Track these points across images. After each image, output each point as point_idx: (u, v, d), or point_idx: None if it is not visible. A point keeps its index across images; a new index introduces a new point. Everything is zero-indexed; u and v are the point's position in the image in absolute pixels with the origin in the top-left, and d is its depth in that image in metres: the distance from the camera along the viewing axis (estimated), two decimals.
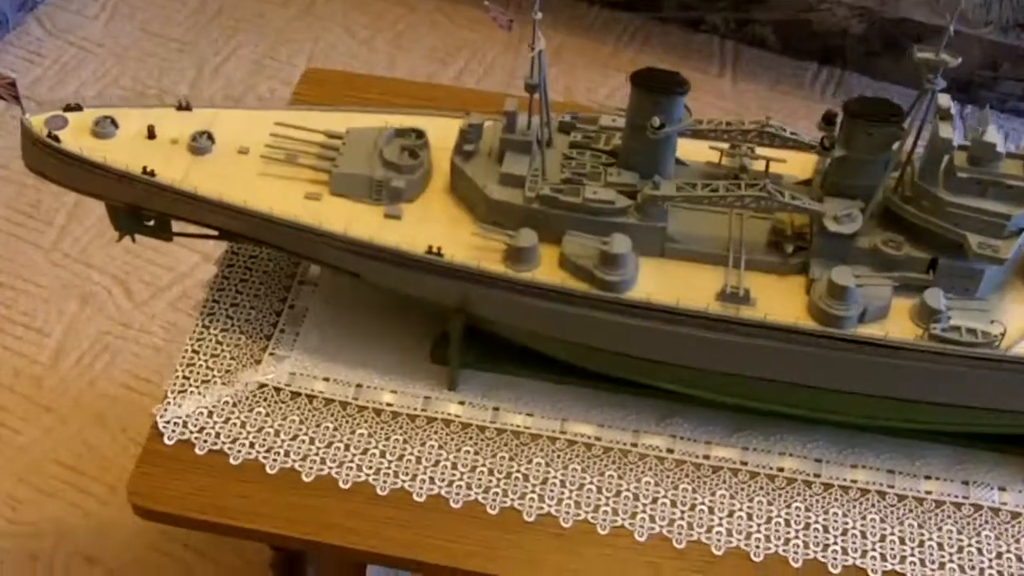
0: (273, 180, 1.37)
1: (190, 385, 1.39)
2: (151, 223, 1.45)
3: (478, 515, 1.30)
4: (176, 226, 1.46)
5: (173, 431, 1.34)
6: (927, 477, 1.34)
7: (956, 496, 1.33)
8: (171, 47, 2.72)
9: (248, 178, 1.37)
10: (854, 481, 1.34)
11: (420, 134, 1.37)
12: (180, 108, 1.44)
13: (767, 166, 1.35)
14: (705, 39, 2.80)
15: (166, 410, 1.36)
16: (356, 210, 1.34)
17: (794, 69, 2.76)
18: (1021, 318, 1.28)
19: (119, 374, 2.19)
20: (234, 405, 1.37)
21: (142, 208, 1.41)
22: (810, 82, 2.74)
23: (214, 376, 1.40)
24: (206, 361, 1.41)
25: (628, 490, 1.32)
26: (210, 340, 1.43)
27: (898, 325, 1.26)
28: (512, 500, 1.31)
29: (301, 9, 2.84)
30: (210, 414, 1.36)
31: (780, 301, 1.27)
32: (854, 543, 1.29)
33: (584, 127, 1.36)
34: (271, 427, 1.35)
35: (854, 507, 1.32)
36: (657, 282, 1.28)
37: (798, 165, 1.37)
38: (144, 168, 1.35)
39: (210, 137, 1.39)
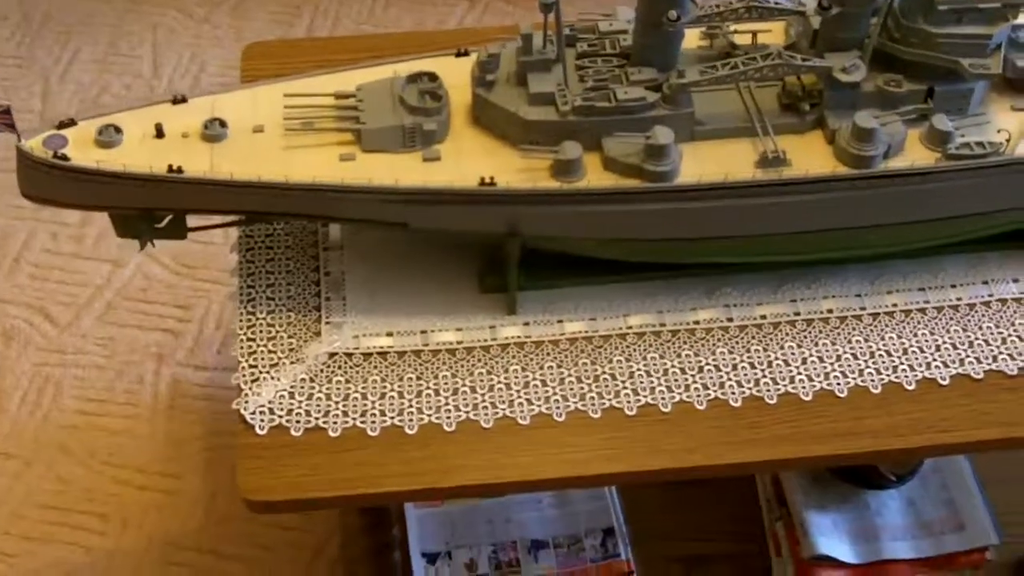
0: (301, 151, 1.36)
1: (260, 372, 1.38)
2: (162, 225, 1.42)
3: (585, 422, 1.35)
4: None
5: (263, 420, 1.34)
6: (952, 286, 1.47)
7: (982, 296, 1.46)
8: (8, 65, 2.59)
9: (275, 154, 1.35)
10: (895, 305, 1.45)
11: (433, 76, 1.39)
12: (176, 102, 1.41)
13: (754, 38, 1.43)
14: None
15: (247, 401, 1.35)
16: (394, 161, 1.35)
17: None
18: (1011, 123, 1.41)
19: (70, 402, 2.11)
20: (311, 380, 1.37)
21: (163, 209, 1.38)
22: None
23: (280, 358, 1.39)
24: (265, 345, 1.40)
25: (708, 364, 1.39)
26: (260, 324, 1.42)
27: (916, 153, 1.37)
28: (610, 400, 1.36)
29: (128, 0, 2.74)
30: (291, 395, 1.36)
31: (808, 156, 1.36)
32: (917, 359, 1.40)
33: (585, 36, 1.41)
34: (356, 392, 1.36)
35: (905, 328, 1.43)
36: (696, 164, 1.35)
37: (770, 35, 1.46)
38: (170, 166, 1.32)
39: (222, 123, 1.36)
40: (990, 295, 1.47)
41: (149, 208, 1.38)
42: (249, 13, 2.70)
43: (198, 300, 2.24)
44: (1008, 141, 1.37)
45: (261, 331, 1.41)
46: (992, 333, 1.43)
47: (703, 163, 1.35)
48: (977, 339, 1.42)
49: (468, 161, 1.35)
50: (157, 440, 2.06)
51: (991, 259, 1.50)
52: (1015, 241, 1.49)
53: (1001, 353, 1.41)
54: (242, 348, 1.40)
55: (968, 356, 1.41)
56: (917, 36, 1.36)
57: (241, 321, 1.42)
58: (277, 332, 1.41)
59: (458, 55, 1.47)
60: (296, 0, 2.73)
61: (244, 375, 1.37)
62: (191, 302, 2.24)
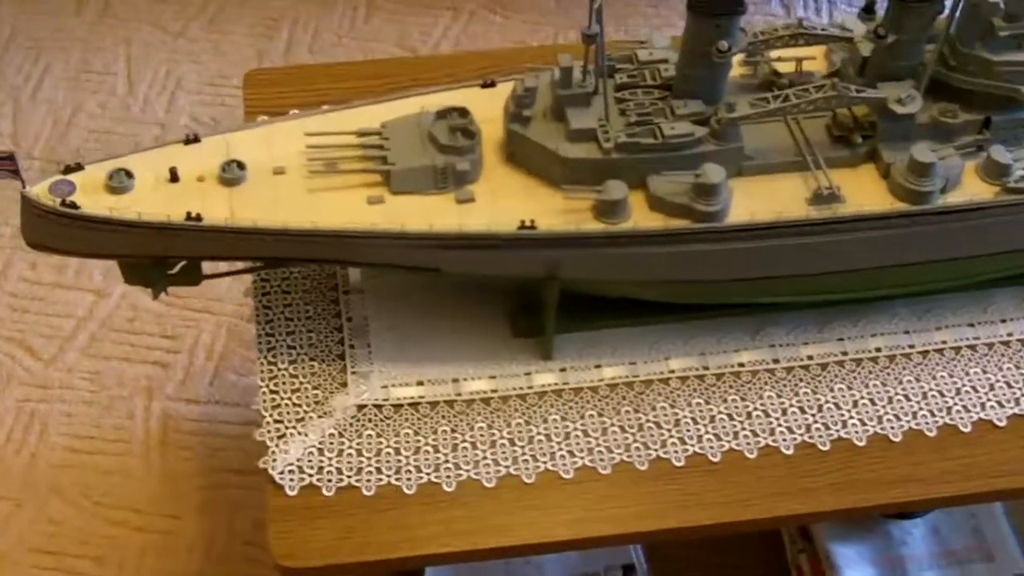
0: (325, 194, 1.28)
1: (286, 428, 1.30)
2: (174, 271, 1.34)
3: (631, 474, 1.28)
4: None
5: (292, 480, 1.26)
6: (1003, 320, 1.42)
7: None
8: None
9: (298, 198, 1.27)
10: (944, 342, 1.40)
11: (464, 112, 1.31)
12: (188, 142, 1.32)
13: (799, 65, 1.37)
14: None
15: (275, 460, 1.27)
16: (426, 203, 1.27)
17: None
18: None
19: (58, 439, 2.02)
20: (341, 435, 1.29)
21: (178, 257, 1.30)
22: None
23: (306, 412, 1.31)
24: (290, 398, 1.32)
25: (756, 409, 1.33)
26: (283, 375, 1.34)
27: (973, 187, 1.31)
28: (656, 450, 1.30)
29: (98, 13, 2.63)
30: (320, 451, 1.28)
31: (862, 191, 1.30)
32: (971, 399, 1.35)
33: (624, 67, 1.34)
34: (388, 446, 1.29)
35: (956, 366, 1.38)
36: (746, 201, 1.28)
37: (812, 61, 1.39)
38: (188, 214, 1.23)
39: (240, 165, 1.28)
40: None
41: (164, 256, 1.29)
42: (226, 26, 2.60)
43: (187, 330, 2.15)
44: None
45: (284, 382, 1.33)
46: None
47: (752, 200, 1.28)
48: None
49: (504, 202, 1.28)
50: (152, 478, 1.97)
51: None
52: None
53: None
54: (265, 402, 1.31)
55: (1014, 396, 1.36)
56: (975, 63, 1.30)
57: (263, 372, 1.34)
58: (301, 384, 1.33)
59: (484, 86, 1.40)
60: (274, 12, 2.64)
61: (269, 431, 1.29)
62: (180, 332, 2.14)
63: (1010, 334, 1.41)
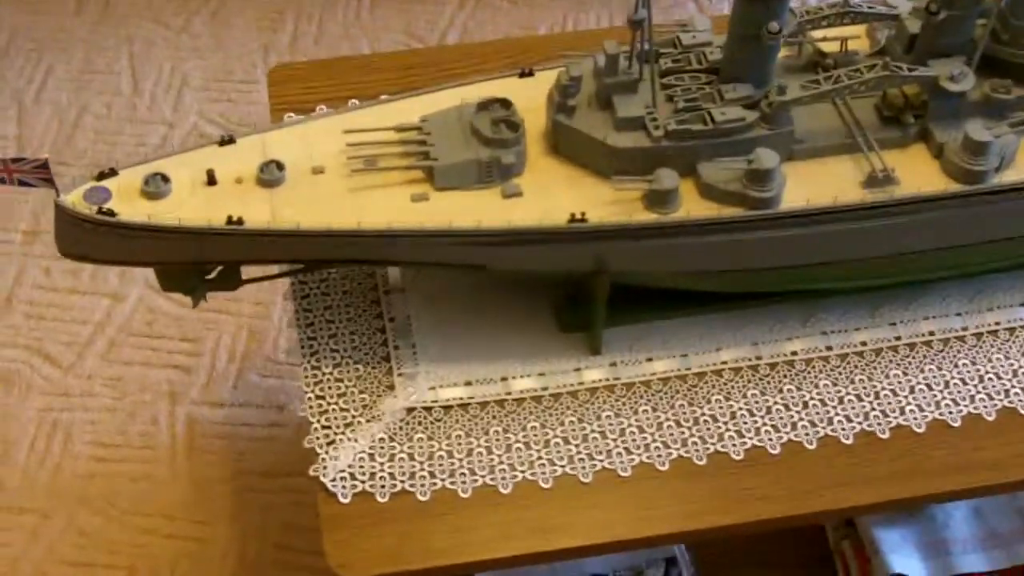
0: (367, 192, 1.24)
1: (334, 434, 1.26)
2: (212, 276, 1.31)
3: (690, 469, 1.25)
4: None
5: (344, 487, 1.23)
6: None
7: None
8: None
9: (341, 197, 1.23)
10: (997, 323, 1.37)
11: (506, 103, 1.27)
12: (223, 143, 1.28)
13: (844, 45, 1.34)
14: None
15: (325, 467, 1.24)
16: (471, 199, 1.24)
17: None
18: None
19: (83, 448, 1.98)
20: (391, 439, 1.26)
21: (219, 262, 1.27)
22: None
23: (354, 417, 1.28)
24: (336, 403, 1.29)
25: (813, 398, 1.30)
26: (328, 380, 1.30)
27: None
28: (714, 444, 1.27)
29: (99, 12, 2.58)
30: (371, 457, 1.25)
31: (915, 173, 1.27)
32: None
33: (667, 51, 1.30)
34: (440, 449, 1.26)
35: (1011, 347, 1.35)
36: (799, 186, 1.25)
37: (856, 40, 1.36)
38: (230, 218, 1.20)
39: (279, 166, 1.24)
40: None
41: (205, 262, 1.26)
42: (229, 20, 2.56)
43: (207, 332, 2.11)
44: None
45: (330, 387, 1.30)
46: None
47: (805, 185, 1.25)
48: None
49: (551, 195, 1.24)
50: (180, 484, 1.93)
51: None
52: None
53: None
54: (312, 408, 1.28)
55: None
56: None
57: (307, 377, 1.30)
58: (347, 388, 1.30)
59: (521, 75, 1.36)
60: (278, 5, 2.59)
61: (318, 437, 1.26)
62: (200, 335, 2.11)
63: None
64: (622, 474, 1.25)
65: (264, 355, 2.09)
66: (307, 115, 1.35)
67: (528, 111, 1.28)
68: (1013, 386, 1.32)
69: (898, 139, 1.30)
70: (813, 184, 1.26)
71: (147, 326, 2.12)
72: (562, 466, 1.25)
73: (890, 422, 1.29)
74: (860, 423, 1.29)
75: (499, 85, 1.34)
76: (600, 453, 1.26)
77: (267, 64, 2.48)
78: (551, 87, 1.27)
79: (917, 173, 1.27)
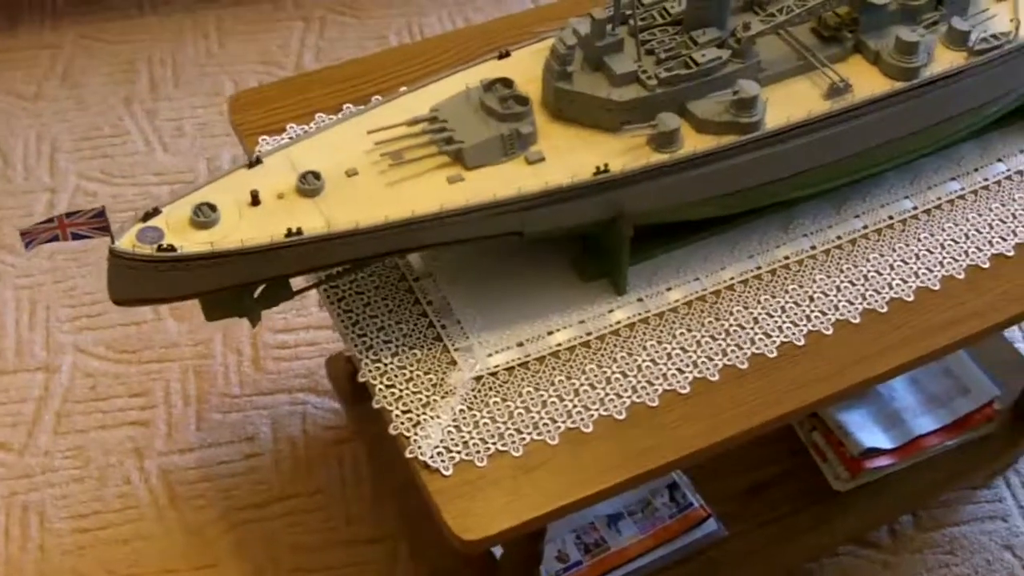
0: (405, 184, 1.32)
1: (417, 416, 1.34)
2: (257, 295, 1.36)
3: (738, 375, 1.39)
4: None
5: (444, 461, 1.30)
6: (975, 169, 1.60)
7: (1004, 172, 1.60)
8: None
9: (382, 193, 1.31)
10: (939, 199, 1.56)
11: (507, 81, 1.38)
12: (251, 166, 1.34)
13: None
14: None
15: (420, 447, 1.31)
16: (502, 171, 1.34)
17: None
18: (1003, 10, 1.55)
19: (61, 524, 1.95)
20: (470, 408, 1.35)
21: (279, 277, 1.32)
22: None
23: (429, 397, 1.35)
24: (407, 388, 1.36)
25: (816, 292, 1.46)
26: (391, 369, 1.38)
27: (945, 57, 1.48)
28: (750, 349, 1.41)
29: None
30: (458, 428, 1.33)
31: (860, 79, 1.45)
32: (980, 239, 1.52)
33: (631, 13, 1.43)
34: (517, 408, 1.35)
35: (956, 215, 1.55)
36: (775, 108, 1.41)
37: None
38: (289, 230, 1.26)
39: (316, 176, 1.31)
40: (1007, 169, 1.61)
41: (266, 279, 1.31)
42: (81, 80, 2.54)
43: (153, 383, 2.11)
44: (1017, 27, 1.50)
45: (395, 375, 1.37)
46: None
47: (779, 106, 1.41)
48: (1016, 211, 1.56)
49: (570, 155, 1.36)
50: (174, 535, 1.94)
51: (995, 139, 1.64)
52: (1010, 119, 1.64)
53: None
54: (387, 398, 1.35)
55: (1018, 227, 1.54)
56: None
57: (371, 371, 1.37)
58: (412, 372, 1.37)
59: (500, 57, 1.47)
60: (126, 56, 2.59)
61: (402, 422, 1.33)
62: (147, 387, 2.11)
63: (986, 179, 1.59)
64: (682, 392, 1.37)
65: (218, 392, 2.11)
66: (319, 124, 1.41)
67: (522, 86, 1.39)
68: (969, 246, 1.52)
69: (839, 54, 1.47)
70: (785, 104, 1.42)
71: (90, 390, 2.10)
72: (629, 397, 1.37)
73: (885, 297, 1.46)
74: (861, 304, 1.46)
75: (483, 69, 1.44)
76: (658, 378, 1.38)
77: (132, 115, 2.48)
78: (547, 58, 1.38)
79: (863, 79, 1.45)
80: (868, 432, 1.93)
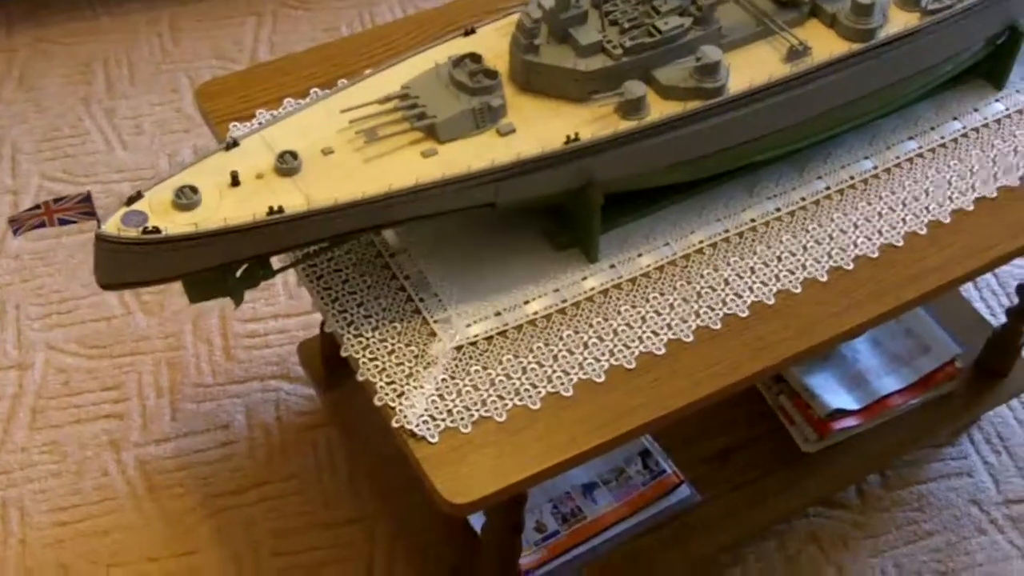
0: (381, 160, 1.35)
1: (400, 386, 1.36)
2: (239, 275, 1.37)
3: (711, 336, 1.42)
4: None
5: (430, 428, 1.33)
6: (932, 128, 1.64)
7: (960, 130, 1.64)
8: None
9: (359, 169, 1.33)
10: (897, 158, 1.60)
11: (476, 57, 1.40)
12: (229, 148, 1.35)
13: None
14: None
15: (406, 416, 1.33)
16: (474, 144, 1.37)
17: None
18: None
19: (42, 518, 1.96)
20: (452, 377, 1.37)
21: (262, 255, 1.34)
22: None
23: (411, 368, 1.38)
24: (389, 360, 1.38)
25: (783, 253, 1.50)
26: (373, 342, 1.40)
27: (899, 18, 1.52)
28: (722, 310, 1.44)
29: None
30: (441, 397, 1.36)
31: (819, 42, 1.48)
32: (939, 196, 1.56)
33: None
34: (499, 375, 1.38)
35: (916, 173, 1.59)
36: (736, 73, 1.44)
37: None
38: (271, 208, 1.28)
39: (293, 155, 1.33)
40: (963, 127, 1.65)
41: (250, 257, 1.33)
42: (37, 82, 2.53)
43: (126, 376, 2.12)
44: None
45: (377, 348, 1.39)
46: (983, 158, 1.62)
47: (740, 71, 1.45)
48: (974, 167, 1.61)
49: (539, 126, 1.39)
50: (154, 524, 1.95)
51: (949, 98, 1.68)
52: (963, 78, 1.69)
53: (999, 172, 1.60)
54: (370, 370, 1.37)
55: (976, 182, 1.59)
56: None
57: (354, 346, 1.39)
58: (394, 345, 1.40)
59: (466, 34, 1.49)
60: (81, 57, 2.59)
61: (386, 393, 1.35)
62: (120, 380, 2.11)
63: (943, 137, 1.64)
64: (658, 353, 1.41)
65: (191, 383, 2.12)
66: (288, 108, 1.43)
67: (490, 61, 1.42)
68: (931, 202, 1.56)
69: (796, 19, 1.51)
70: (746, 69, 1.45)
71: (63, 386, 2.10)
72: (607, 360, 1.40)
73: (850, 255, 1.50)
74: (827, 262, 1.50)
75: (449, 46, 1.46)
76: (633, 341, 1.41)
77: (91, 115, 2.48)
78: (514, 32, 1.41)
79: (821, 42, 1.49)
80: (834, 394, 1.98)
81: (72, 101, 2.50)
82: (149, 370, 2.13)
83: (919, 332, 2.07)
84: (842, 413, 1.97)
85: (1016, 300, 2.00)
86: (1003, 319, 2.12)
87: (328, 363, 2.02)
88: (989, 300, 2.35)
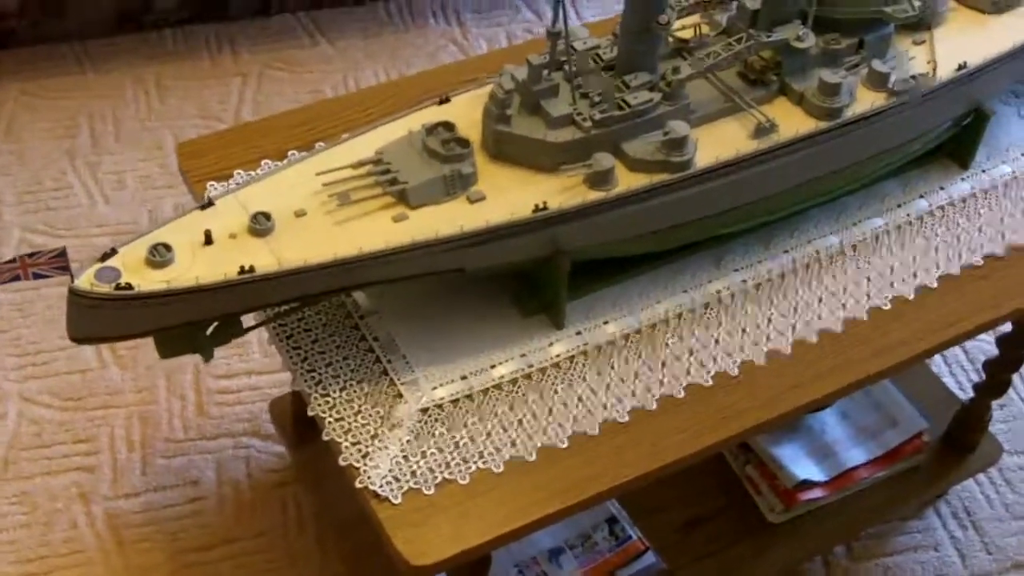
0: (352, 223, 1.37)
1: (364, 447, 1.37)
2: (209, 332, 1.39)
3: (675, 404, 1.44)
4: None
5: (393, 489, 1.34)
6: (899, 206, 1.68)
7: (926, 208, 1.67)
8: None
9: (330, 232, 1.36)
10: (864, 234, 1.63)
11: (450, 125, 1.43)
12: (204, 207, 1.38)
13: (698, 30, 1.58)
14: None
15: (370, 477, 1.35)
16: (445, 210, 1.39)
17: None
18: (920, 54, 1.63)
19: (8, 569, 1.96)
20: (417, 439, 1.39)
21: (232, 313, 1.35)
22: None
23: (376, 428, 1.39)
24: (355, 421, 1.40)
25: (747, 324, 1.52)
26: (340, 402, 1.41)
27: (866, 97, 1.56)
28: (685, 379, 1.46)
29: None
30: (406, 458, 1.37)
31: (786, 119, 1.52)
32: (905, 272, 1.59)
33: (565, 58, 1.50)
34: (463, 438, 1.39)
35: (882, 249, 1.62)
36: (704, 148, 1.47)
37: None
38: (242, 267, 1.30)
39: (266, 216, 1.35)
40: (929, 205, 1.69)
41: (221, 316, 1.35)
42: (21, 136, 2.56)
43: (98, 429, 2.12)
44: (934, 69, 1.59)
45: (344, 409, 1.41)
46: (948, 236, 1.65)
47: (708, 146, 1.48)
48: (938, 245, 1.64)
49: (509, 194, 1.41)
50: None
51: (915, 177, 1.72)
52: (930, 157, 1.72)
53: (963, 250, 1.63)
54: (335, 430, 1.39)
55: (940, 260, 1.62)
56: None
57: (320, 405, 1.41)
58: (360, 406, 1.41)
59: (440, 103, 1.52)
60: (67, 113, 2.62)
61: (351, 453, 1.36)
62: (92, 433, 2.12)
63: (909, 215, 1.67)
64: (621, 421, 1.42)
65: (163, 437, 2.12)
66: (265, 169, 1.46)
67: (463, 129, 1.45)
68: (895, 279, 1.59)
69: (764, 96, 1.54)
70: (714, 144, 1.48)
71: (36, 437, 2.11)
72: (571, 426, 1.41)
73: (815, 328, 1.53)
74: (791, 335, 1.52)
75: (424, 114, 1.49)
76: (597, 407, 1.43)
77: (75, 169, 2.50)
78: (487, 103, 1.44)
79: (788, 120, 1.52)
80: (801, 465, 1.99)
81: (56, 155, 2.53)
82: (121, 424, 2.14)
83: (887, 405, 2.09)
84: (809, 484, 1.98)
85: (983, 376, 2.03)
86: (971, 394, 2.15)
87: (298, 422, 2.03)
88: (958, 375, 2.37)
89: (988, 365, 2.01)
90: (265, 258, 1.32)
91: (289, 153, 1.65)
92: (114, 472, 2.08)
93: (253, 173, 1.62)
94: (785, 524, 1.99)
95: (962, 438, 2.11)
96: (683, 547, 1.96)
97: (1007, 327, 1.89)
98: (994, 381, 2.03)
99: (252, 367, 2.23)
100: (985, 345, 2.37)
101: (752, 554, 1.97)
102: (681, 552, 1.95)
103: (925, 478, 2.10)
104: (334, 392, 1.42)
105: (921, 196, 1.70)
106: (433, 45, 2.87)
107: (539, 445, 1.40)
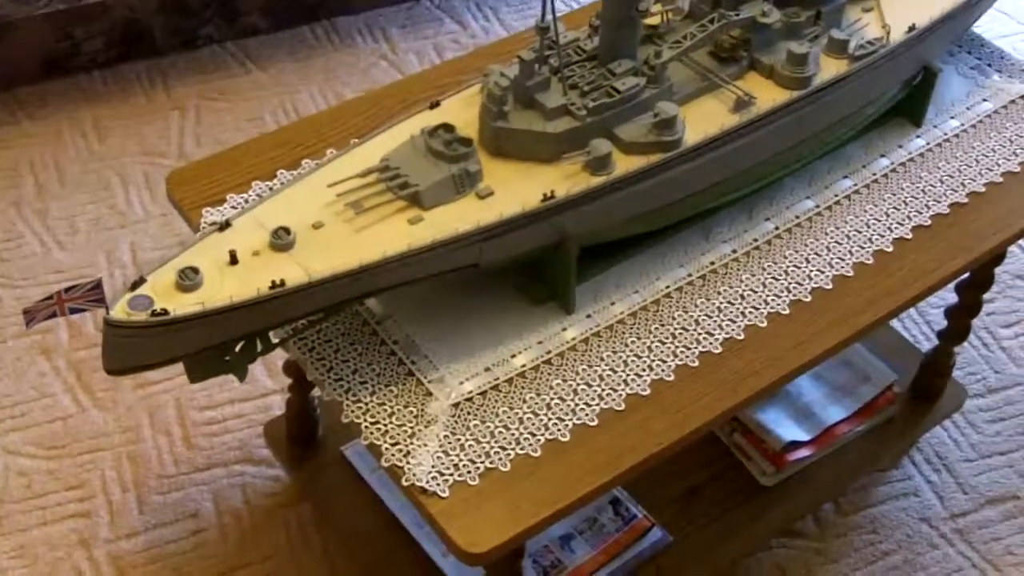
0: (370, 230, 1.40)
1: (405, 447, 1.40)
2: (237, 351, 1.41)
3: (691, 373, 1.50)
4: None
5: (440, 484, 1.37)
6: (863, 166, 1.77)
7: (891, 165, 1.77)
8: None
9: (351, 240, 1.39)
10: (835, 196, 1.72)
11: (449, 127, 1.47)
12: (222, 229, 1.39)
13: (665, 16, 1.64)
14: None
15: (415, 474, 1.38)
16: (457, 208, 1.43)
17: None
18: (872, 20, 1.72)
19: None
20: (453, 433, 1.42)
21: (263, 330, 1.38)
22: None
23: (413, 427, 1.42)
24: (391, 422, 1.43)
25: (746, 291, 1.59)
26: (372, 406, 1.44)
27: (830, 66, 1.64)
28: (697, 348, 1.53)
29: None
30: (446, 453, 1.40)
31: (760, 92, 1.59)
32: (879, 227, 1.67)
33: (549, 53, 1.55)
34: (497, 427, 1.43)
35: (855, 208, 1.70)
36: (690, 126, 1.53)
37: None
38: (273, 282, 1.32)
39: (286, 231, 1.38)
40: (891, 163, 1.78)
41: (254, 333, 1.37)
42: None
43: (88, 474, 2.11)
44: (888, 33, 1.68)
45: (377, 412, 1.44)
46: (915, 188, 1.74)
47: (694, 124, 1.54)
48: (907, 197, 1.73)
49: (516, 187, 1.46)
50: None
51: (875, 137, 1.81)
52: (885, 118, 1.81)
53: (932, 200, 1.72)
54: (373, 433, 1.41)
55: (911, 212, 1.71)
56: None
57: (354, 411, 1.43)
58: (393, 408, 1.44)
59: (431, 107, 1.57)
60: (7, 161, 2.58)
61: (393, 454, 1.39)
62: (83, 479, 2.10)
63: (874, 174, 1.76)
64: (643, 394, 1.48)
65: (155, 474, 2.12)
66: (276, 186, 1.48)
67: (460, 130, 1.49)
68: (873, 234, 1.68)
69: (736, 72, 1.62)
70: (698, 121, 1.55)
71: (26, 488, 2.08)
72: (598, 404, 1.46)
73: (807, 288, 1.60)
74: (787, 296, 1.59)
75: (424, 117, 1.53)
76: (620, 384, 1.48)
77: (23, 218, 2.48)
78: (483, 102, 1.49)
79: (762, 92, 1.60)
80: (786, 427, 2.07)
81: (2, 206, 2.50)
82: (111, 466, 2.12)
83: (857, 362, 2.18)
84: (795, 445, 2.06)
85: (945, 324, 2.13)
86: (927, 345, 2.25)
87: (294, 442, 2.05)
88: (912, 329, 2.48)
89: (949, 312, 2.11)
90: (293, 271, 1.35)
91: (279, 172, 1.68)
92: (111, 514, 2.06)
93: (247, 195, 1.64)
94: (776, 487, 2.06)
95: (929, 386, 2.21)
96: (684, 519, 2.01)
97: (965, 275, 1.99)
98: (955, 327, 2.13)
99: (234, 395, 2.23)
100: (934, 298, 2.48)
101: (749, 517, 2.03)
102: (683, 523, 2.00)
103: (899, 428, 2.19)
104: (365, 398, 1.45)
105: (882, 155, 1.79)
106: (364, 63, 2.89)
107: (571, 425, 1.44)
